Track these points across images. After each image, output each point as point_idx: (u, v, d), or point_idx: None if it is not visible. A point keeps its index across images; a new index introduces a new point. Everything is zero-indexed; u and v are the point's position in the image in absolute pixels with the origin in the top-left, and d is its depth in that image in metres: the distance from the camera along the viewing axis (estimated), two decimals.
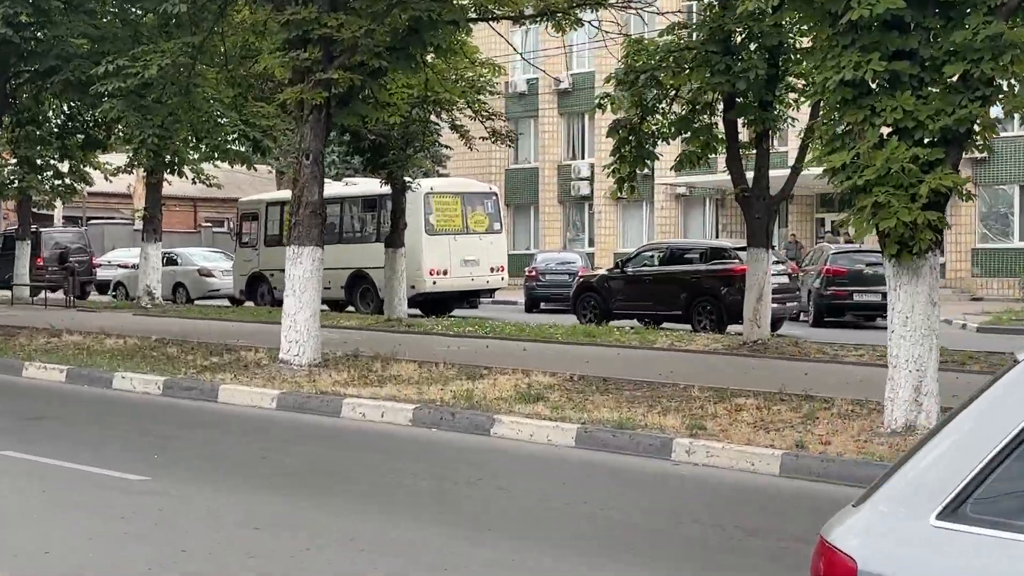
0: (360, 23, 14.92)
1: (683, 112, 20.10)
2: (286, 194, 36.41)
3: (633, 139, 19.65)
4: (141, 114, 21.73)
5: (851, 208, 10.81)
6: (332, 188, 32.35)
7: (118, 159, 30.29)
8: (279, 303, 31.77)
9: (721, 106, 19.61)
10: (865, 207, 10.40)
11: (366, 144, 23.08)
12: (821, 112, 19.54)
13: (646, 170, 20.48)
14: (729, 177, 45.63)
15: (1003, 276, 39.25)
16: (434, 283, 28.52)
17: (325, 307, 31.49)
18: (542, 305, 33.67)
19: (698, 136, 19.43)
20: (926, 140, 10.56)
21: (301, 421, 12.87)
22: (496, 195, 30.60)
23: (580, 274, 30.18)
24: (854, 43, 10.44)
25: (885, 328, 26.92)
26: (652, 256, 26.99)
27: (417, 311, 29.99)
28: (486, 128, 23.52)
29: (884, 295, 26.26)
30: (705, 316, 24.57)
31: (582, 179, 50.30)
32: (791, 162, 21.24)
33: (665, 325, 25.11)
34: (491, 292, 30.94)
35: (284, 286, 31.24)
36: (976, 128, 10.59)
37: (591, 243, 50.31)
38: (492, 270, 29.86)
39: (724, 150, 19.78)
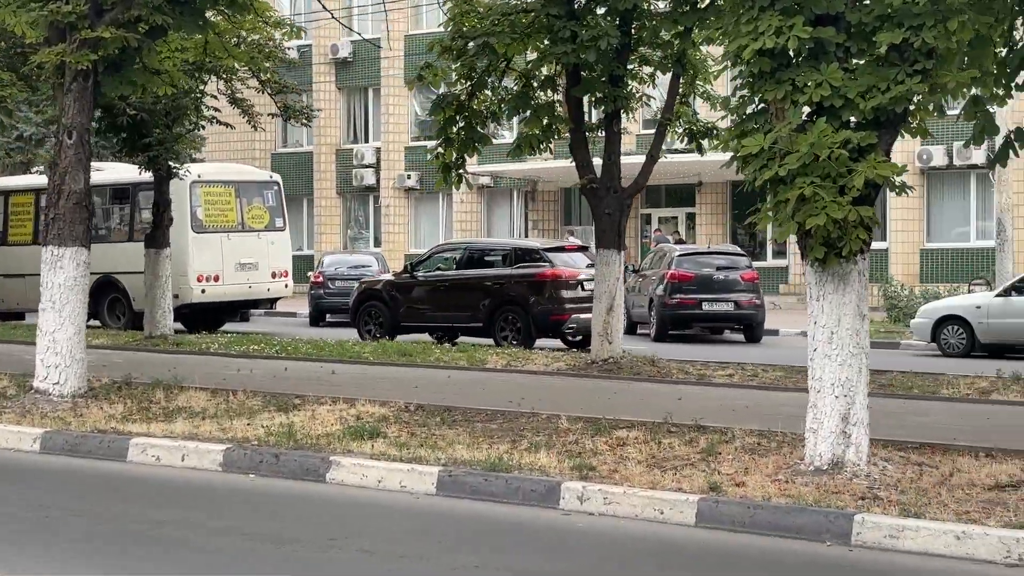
0: None
1: (516, 86, 19.84)
2: (7, 182, 34.83)
3: (461, 119, 19.26)
4: None
5: (766, 202, 10.58)
6: None
7: None
8: (4, 316, 30.42)
9: (563, 81, 19.43)
10: (787, 201, 10.21)
11: (123, 121, 22.01)
12: (682, 83, 19.61)
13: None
14: (538, 167, 45.90)
15: None
16: (203, 291, 27.55)
17: None
18: (328, 317, 33.02)
19: (539, 116, 19.16)
20: (852, 122, 10.44)
21: (77, 468, 12.03)
22: (279, 185, 29.77)
23: (363, 279, 29.59)
24: (773, 4, 10.26)
25: (737, 342, 27.64)
26: (448, 258, 26.66)
27: (179, 325, 29.02)
28: (276, 103, 22.76)
29: (736, 303, 27.24)
30: (510, 328, 24.38)
31: (366, 166, 49.80)
32: (643, 147, 21.19)
33: (462, 339, 24.79)
34: (272, 302, 30.12)
35: (9, 295, 30.18)
36: (911, 108, 10.52)
37: (377, 242, 49.86)
38: (274, 275, 29.06)
39: (567, 133, 19.55)
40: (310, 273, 35.87)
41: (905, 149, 38.90)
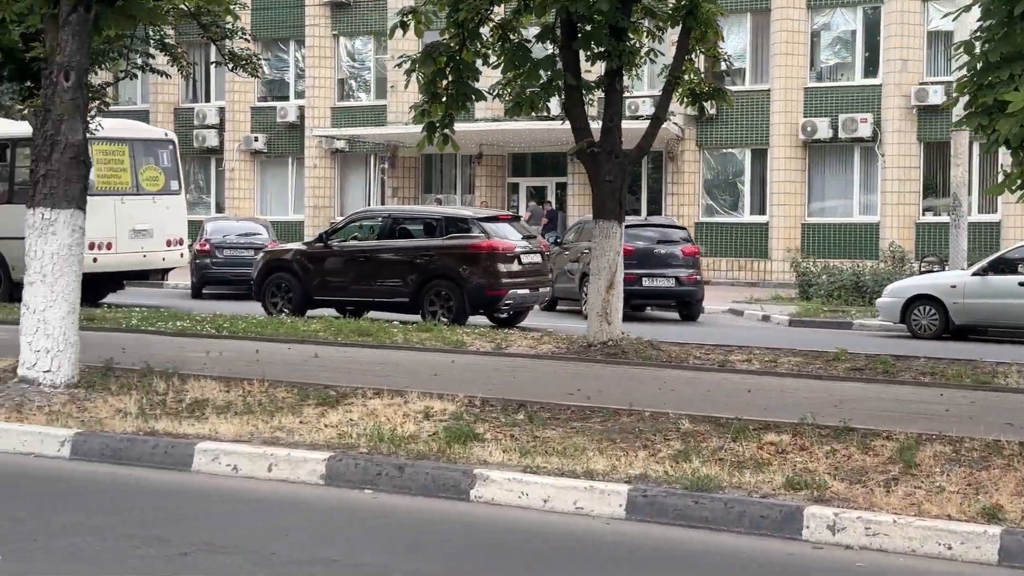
0: None
1: (492, 38, 17.83)
2: None
3: (451, 72, 17.18)
4: None
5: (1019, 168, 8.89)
6: None
7: None
8: None
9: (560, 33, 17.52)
10: None
11: (37, 67, 19.18)
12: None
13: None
14: (399, 131, 43.94)
15: (732, 256, 39.35)
16: (95, 260, 24.67)
17: None
18: (204, 290, 30.44)
19: (539, 71, 17.18)
20: None
21: (131, 480, 9.71)
22: (174, 144, 27.11)
23: (269, 248, 27.31)
24: None
25: (670, 320, 26.04)
26: (368, 227, 24.51)
27: None
28: (220, 51, 20.17)
29: (678, 279, 25.64)
30: (440, 304, 22.44)
31: (208, 127, 46.91)
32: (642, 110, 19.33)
33: (373, 314, 22.81)
34: (165, 272, 27.54)
35: None
36: None
37: (219, 208, 47.12)
38: (169, 243, 26.50)
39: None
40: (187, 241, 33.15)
41: (789, 121, 38.05)
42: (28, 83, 20.18)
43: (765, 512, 8.41)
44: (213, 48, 21.32)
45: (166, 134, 27.78)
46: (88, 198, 24.06)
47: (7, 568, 7.22)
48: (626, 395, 12.73)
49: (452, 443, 10.19)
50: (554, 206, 41.66)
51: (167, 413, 11.46)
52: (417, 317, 22.28)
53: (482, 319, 23.11)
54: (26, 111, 21.05)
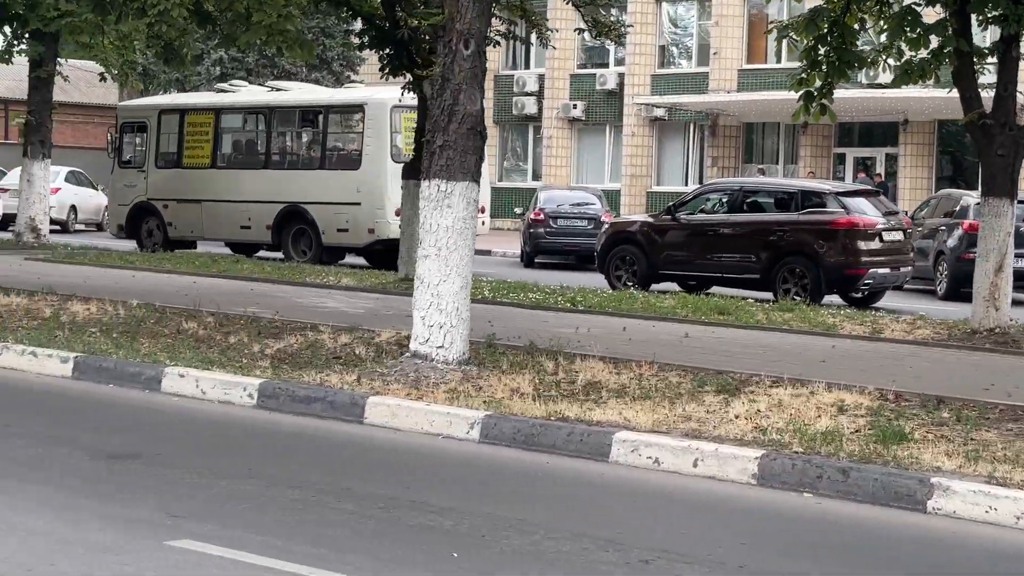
0: None
1: (871, 2, 16.76)
2: (185, 99, 32.18)
3: (833, 38, 16.22)
4: None
5: None
6: (252, 94, 29.05)
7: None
8: (175, 244, 27.75)
9: None
10: None
11: (403, 35, 19.10)
12: None
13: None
14: (721, 100, 42.75)
15: None
16: (400, 227, 24.41)
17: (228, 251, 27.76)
18: (536, 259, 30.20)
19: (928, 37, 16.05)
20: None
21: (548, 468, 9.17)
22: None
23: (606, 219, 26.85)
24: None
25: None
26: (718, 199, 23.66)
27: (362, 261, 27.06)
28: (583, 16, 19.67)
29: None
30: (795, 282, 21.46)
31: (527, 94, 46.84)
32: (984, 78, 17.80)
33: (717, 290, 22.01)
34: None
35: (182, 222, 27.48)
36: None
37: (536, 176, 47.04)
38: None
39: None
40: (517, 209, 33.21)
41: None
42: (388, 50, 20.15)
43: None
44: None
45: None
46: (396, 165, 24.55)
47: (471, 567, 6.76)
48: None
49: (887, 444, 9.35)
50: (883, 178, 40.08)
51: (563, 395, 10.95)
52: (764, 294, 21.47)
53: (834, 298, 22.11)
54: (396, 78, 20.98)
